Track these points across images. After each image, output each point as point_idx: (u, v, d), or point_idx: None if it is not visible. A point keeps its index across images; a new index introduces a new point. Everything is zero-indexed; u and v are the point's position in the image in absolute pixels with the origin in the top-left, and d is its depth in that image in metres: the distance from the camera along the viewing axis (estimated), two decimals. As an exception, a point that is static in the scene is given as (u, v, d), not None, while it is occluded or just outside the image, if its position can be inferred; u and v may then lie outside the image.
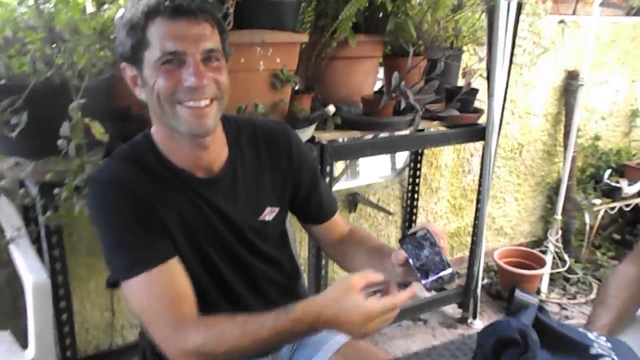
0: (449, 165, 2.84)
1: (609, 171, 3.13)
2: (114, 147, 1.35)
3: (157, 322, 0.96)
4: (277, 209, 1.17)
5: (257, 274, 1.17)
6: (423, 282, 0.90)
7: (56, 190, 1.23)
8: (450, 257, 0.95)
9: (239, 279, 1.14)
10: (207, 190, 1.08)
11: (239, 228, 1.12)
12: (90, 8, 1.29)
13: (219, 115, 1.03)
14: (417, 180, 2.66)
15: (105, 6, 1.33)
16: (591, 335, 0.91)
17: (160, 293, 0.97)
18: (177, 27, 0.94)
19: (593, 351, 0.86)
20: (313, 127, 1.77)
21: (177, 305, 0.97)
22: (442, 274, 0.89)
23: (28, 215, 1.73)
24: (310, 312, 0.88)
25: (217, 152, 1.09)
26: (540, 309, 0.93)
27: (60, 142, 1.17)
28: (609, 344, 0.89)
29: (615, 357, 0.85)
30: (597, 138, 3.25)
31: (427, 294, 2.49)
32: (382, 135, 1.98)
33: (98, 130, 1.20)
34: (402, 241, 0.94)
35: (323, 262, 1.94)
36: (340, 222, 1.28)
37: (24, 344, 1.41)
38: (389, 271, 0.99)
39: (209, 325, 0.94)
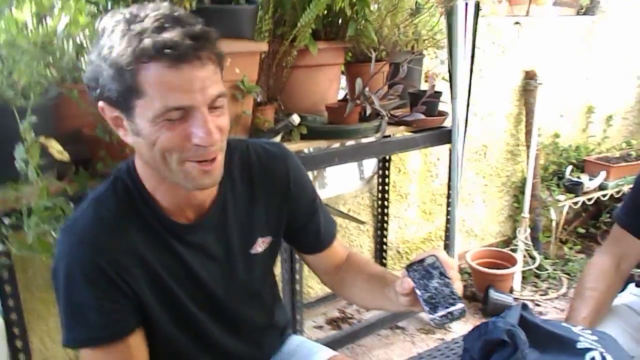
0: (417, 171, 2.84)
1: (570, 167, 3.20)
2: (66, 172, 1.28)
3: None
4: (269, 239, 1.09)
5: (238, 318, 1.10)
6: (430, 317, 0.83)
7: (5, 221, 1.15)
8: (461, 288, 0.88)
9: (219, 326, 1.07)
10: (194, 235, 0.99)
11: (226, 271, 1.04)
12: (31, 23, 1.22)
13: (224, 159, 0.93)
14: (386, 188, 2.65)
15: (47, 20, 1.26)
16: (576, 330, 0.90)
17: None
18: (180, 77, 0.80)
19: (580, 345, 0.85)
20: (278, 138, 1.73)
21: None
22: (452, 309, 0.82)
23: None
24: None
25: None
26: (524, 307, 0.92)
27: (18, 165, 1.08)
28: (594, 337, 0.88)
29: (602, 350, 0.83)
30: (557, 135, 3.32)
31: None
32: (350, 143, 1.96)
33: (56, 148, 1.12)
34: (408, 268, 0.87)
35: (297, 276, 1.89)
36: (338, 249, 1.19)
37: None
38: (392, 300, 0.94)
39: None
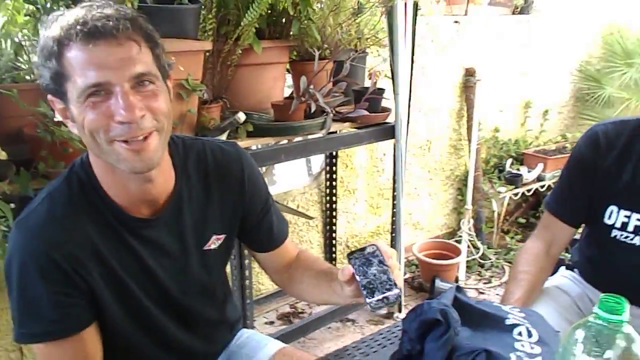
0: (364, 166, 2.90)
1: (510, 160, 3.34)
2: (6, 173, 1.26)
3: None
4: (222, 236, 1.10)
5: (192, 313, 1.11)
6: (367, 300, 0.86)
7: None
8: (401, 276, 0.92)
9: (172, 322, 1.08)
10: (149, 230, 1.00)
11: (180, 266, 1.05)
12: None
13: (164, 145, 0.93)
14: (334, 184, 2.70)
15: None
16: (505, 308, 0.96)
17: None
18: (95, 54, 0.82)
19: (508, 322, 0.91)
20: (224, 136, 1.74)
21: None
22: (388, 294, 0.85)
23: None
24: None
25: (164, 182, 1.00)
26: (458, 289, 0.97)
27: None
28: (522, 314, 0.94)
29: (528, 325, 0.90)
30: (497, 130, 3.45)
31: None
32: (296, 139, 1.99)
33: None
34: (350, 256, 0.91)
35: (247, 272, 1.91)
36: (289, 247, 1.21)
37: None
38: (338, 292, 0.97)
39: None
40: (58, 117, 0.94)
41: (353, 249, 0.94)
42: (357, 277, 0.88)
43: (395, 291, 0.86)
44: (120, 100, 0.83)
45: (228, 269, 2.04)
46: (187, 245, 1.05)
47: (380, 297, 0.85)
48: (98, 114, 0.84)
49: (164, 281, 1.03)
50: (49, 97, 0.91)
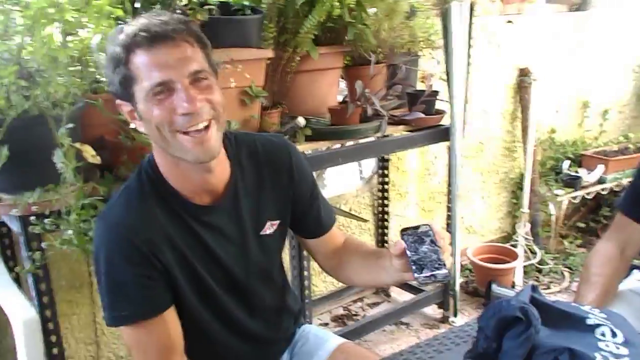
0: (415, 170, 2.89)
1: (567, 162, 3.24)
2: (91, 177, 1.34)
3: None
4: (277, 222, 1.18)
5: (255, 297, 1.18)
6: (416, 275, 0.90)
7: (46, 221, 1.21)
8: (451, 261, 0.94)
9: (238, 305, 1.16)
10: (210, 217, 1.08)
11: (241, 251, 1.13)
12: (58, 38, 1.28)
13: (221, 135, 1.02)
14: (386, 187, 2.70)
15: (71, 37, 1.32)
16: (585, 308, 0.94)
17: (152, 342, 1.03)
18: (157, 56, 0.93)
19: (590, 322, 0.89)
20: (284, 140, 1.78)
21: (167, 355, 1.03)
22: (436, 272, 0.89)
23: (5, 252, 1.69)
24: None
25: (221, 172, 1.09)
26: (534, 288, 0.96)
27: (59, 167, 1.17)
28: (603, 315, 0.92)
29: (612, 326, 0.88)
30: (553, 131, 3.37)
31: (407, 298, 2.52)
32: (351, 143, 2.01)
33: (90, 152, 1.21)
34: (403, 232, 0.94)
35: (305, 273, 1.94)
36: (337, 233, 1.28)
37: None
38: (386, 268, 1.02)
39: None
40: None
41: (404, 226, 0.97)
42: (408, 252, 0.92)
43: (444, 271, 0.89)
44: (182, 95, 0.94)
45: (287, 268, 2.09)
46: (246, 230, 1.13)
47: (429, 274, 0.89)
48: (162, 109, 0.94)
49: (228, 265, 1.11)
50: (118, 101, 1.01)
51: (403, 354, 1.12)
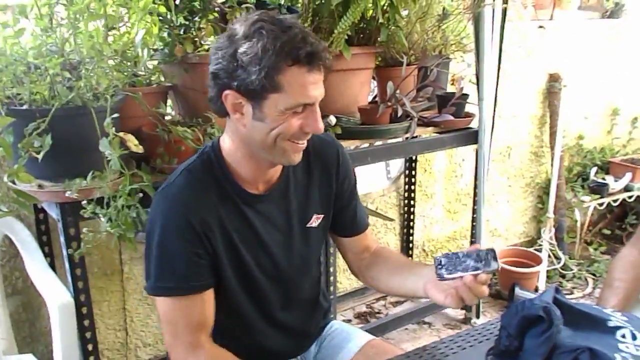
0: (442, 171, 2.91)
1: (594, 169, 3.23)
2: (128, 167, 1.39)
3: (175, 341, 1.07)
4: (322, 216, 1.23)
5: (294, 287, 1.24)
6: (439, 272, 0.98)
7: (89, 208, 1.26)
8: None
9: (277, 294, 1.21)
10: (261, 204, 1.14)
11: (287, 241, 1.19)
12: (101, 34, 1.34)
13: None
14: (412, 187, 2.73)
15: (114, 31, 1.38)
16: (607, 310, 0.97)
17: (187, 317, 1.07)
18: (312, 78, 0.99)
19: (611, 324, 0.92)
20: (315, 138, 1.82)
21: (198, 332, 1.08)
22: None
23: (41, 238, 1.75)
24: None
25: (278, 166, 1.15)
26: (557, 290, 0.98)
27: (106, 155, 1.22)
28: (624, 318, 0.94)
29: (632, 328, 0.90)
30: (581, 137, 3.35)
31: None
32: (380, 142, 2.04)
33: (133, 142, 1.26)
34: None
35: (331, 269, 1.98)
36: (369, 237, 1.33)
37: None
38: (418, 274, 1.11)
39: (217, 358, 1.08)
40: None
41: (437, 254, 1.04)
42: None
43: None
44: (316, 116, 1.03)
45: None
46: (293, 221, 1.19)
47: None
48: (294, 124, 1.02)
49: (273, 251, 1.17)
50: (227, 92, 1.01)
51: (427, 349, 1.16)
